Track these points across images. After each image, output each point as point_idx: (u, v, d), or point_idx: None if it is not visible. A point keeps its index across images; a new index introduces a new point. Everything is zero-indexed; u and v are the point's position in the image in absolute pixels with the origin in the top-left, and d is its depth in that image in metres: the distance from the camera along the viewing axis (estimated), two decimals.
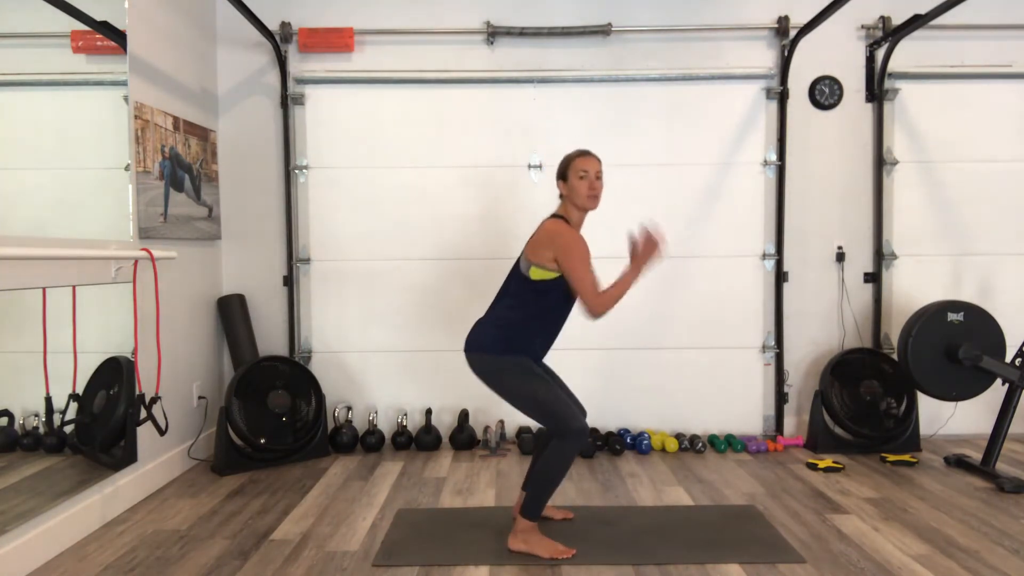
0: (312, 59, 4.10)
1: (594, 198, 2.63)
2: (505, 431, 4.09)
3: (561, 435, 2.53)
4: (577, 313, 2.66)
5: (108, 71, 3.02)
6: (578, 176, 2.61)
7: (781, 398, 4.14)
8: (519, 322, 2.61)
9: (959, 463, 3.58)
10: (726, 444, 3.94)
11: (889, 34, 3.97)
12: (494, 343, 2.61)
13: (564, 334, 2.79)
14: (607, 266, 4.05)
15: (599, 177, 2.64)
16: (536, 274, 2.58)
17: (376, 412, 4.05)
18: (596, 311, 2.52)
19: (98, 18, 2.92)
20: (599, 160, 2.66)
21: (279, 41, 4.02)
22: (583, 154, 2.66)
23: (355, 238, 4.12)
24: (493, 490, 3.31)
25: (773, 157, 4.11)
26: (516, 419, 4.12)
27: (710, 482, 3.40)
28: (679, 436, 3.96)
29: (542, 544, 2.58)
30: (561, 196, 2.70)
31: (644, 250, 2.54)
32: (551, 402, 2.54)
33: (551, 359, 2.81)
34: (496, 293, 2.77)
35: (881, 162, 4.12)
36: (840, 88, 4.12)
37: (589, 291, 2.51)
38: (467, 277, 4.12)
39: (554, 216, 2.67)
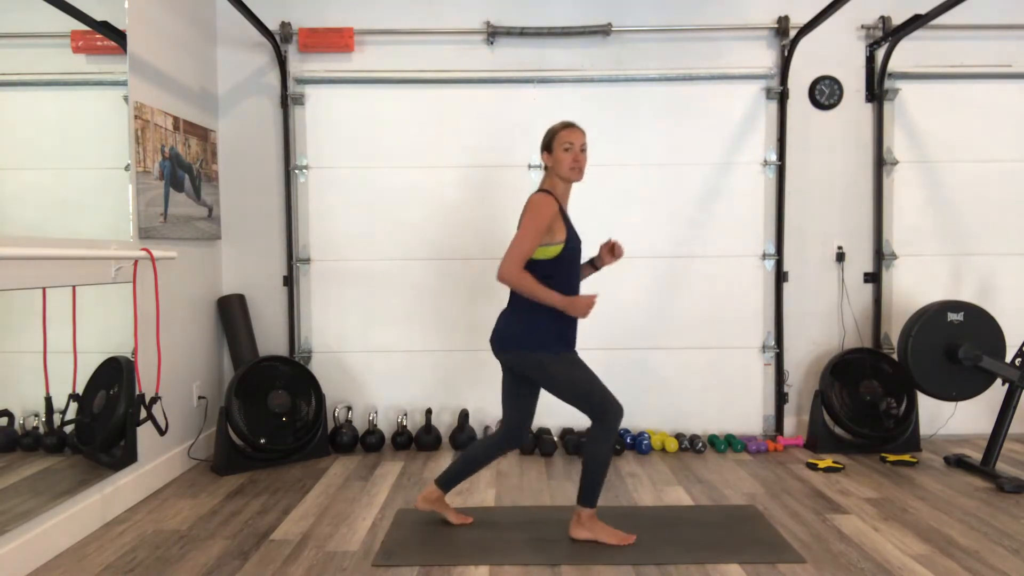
0: (312, 59, 4.10)
1: (577, 170, 2.65)
2: None
3: (600, 416, 2.57)
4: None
5: (108, 71, 3.02)
6: (563, 148, 2.63)
7: (781, 398, 4.14)
8: (535, 308, 2.58)
9: (959, 463, 3.58)
10: (726, 444, 3.94)
11: (889, 34, 3.97)
12: (521, 339, 2.60)
13: None
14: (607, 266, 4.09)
15: (583, 150, 2.66)
16: (537, 253, 2.57)
17: (376, 412, 4.05)
18: (503, 276, 2.52)
19: (98, 18, 2.92)
20: (584, 133, 2.68)
21: (279, 41, 4.02)
22: (568, 126, 2.67)
23: (355, 238, 4.12)
24: (493, 490, 3.31)
25: (773, 157, 4.11)
26: None
27: (710, 482, 3.40)
28: (679, 436, 3.96)
29: (606, 531, 2.65)
30: (545, 167, 2.70)
31: (582, 302, 2.53)
32: (588, 382, 2.58)
33: None
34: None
35: (881, 162, 4.12)
36: (840, 88, 4.12)
37: (515, 258, 2.52)
38: (467, 277, 4.12)
39: (540, 191, 2.66)
